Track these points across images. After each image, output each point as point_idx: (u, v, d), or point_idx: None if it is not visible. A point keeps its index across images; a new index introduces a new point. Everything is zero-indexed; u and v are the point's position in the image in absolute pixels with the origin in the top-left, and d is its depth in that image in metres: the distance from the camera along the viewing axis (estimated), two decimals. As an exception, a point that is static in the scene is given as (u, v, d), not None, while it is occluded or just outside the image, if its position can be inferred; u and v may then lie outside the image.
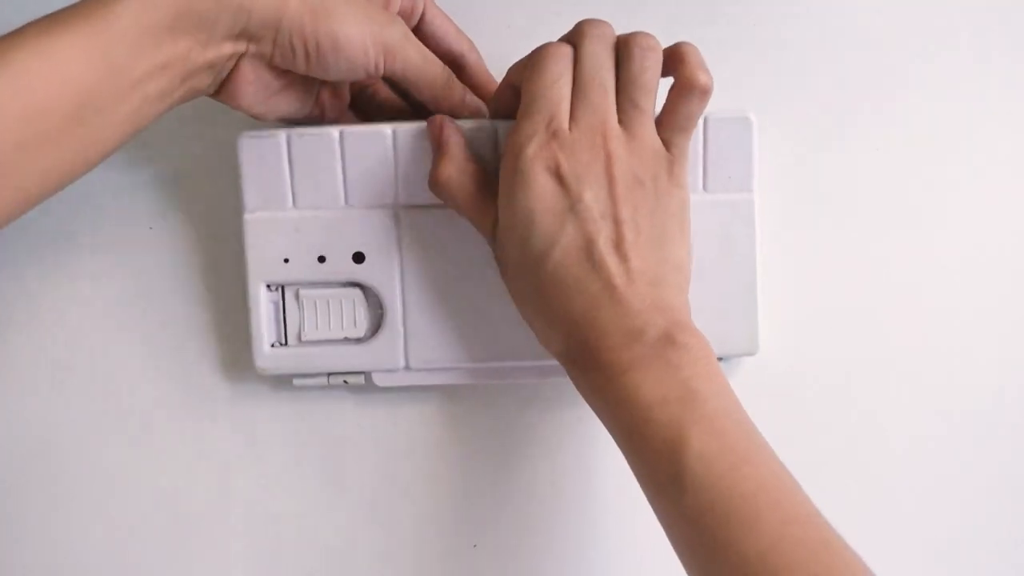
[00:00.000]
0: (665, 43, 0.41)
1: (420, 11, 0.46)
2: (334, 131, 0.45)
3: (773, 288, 0.48)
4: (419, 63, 0.43)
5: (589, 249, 0.38)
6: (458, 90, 0.46)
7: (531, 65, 0.40)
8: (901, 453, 0.50)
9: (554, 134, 0.39)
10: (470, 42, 0.48)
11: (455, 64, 0.47)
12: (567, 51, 0.40)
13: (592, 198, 0.39)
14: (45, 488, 0.50)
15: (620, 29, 0.46)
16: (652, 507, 0.38)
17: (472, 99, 0.46)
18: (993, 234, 0.50)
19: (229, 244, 0.49)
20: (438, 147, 0.43)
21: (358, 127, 0.45)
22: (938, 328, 0.50)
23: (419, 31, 0.46)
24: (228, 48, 0.40)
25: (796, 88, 0.49)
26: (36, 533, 0.50)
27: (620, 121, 0.40)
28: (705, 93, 0.40)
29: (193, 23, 0.38)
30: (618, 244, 0.39)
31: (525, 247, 0.39)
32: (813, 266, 0.50)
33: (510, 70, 0.43)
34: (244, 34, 0.39)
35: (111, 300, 0.50)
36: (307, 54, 0.40)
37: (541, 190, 0.39)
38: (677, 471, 0.35)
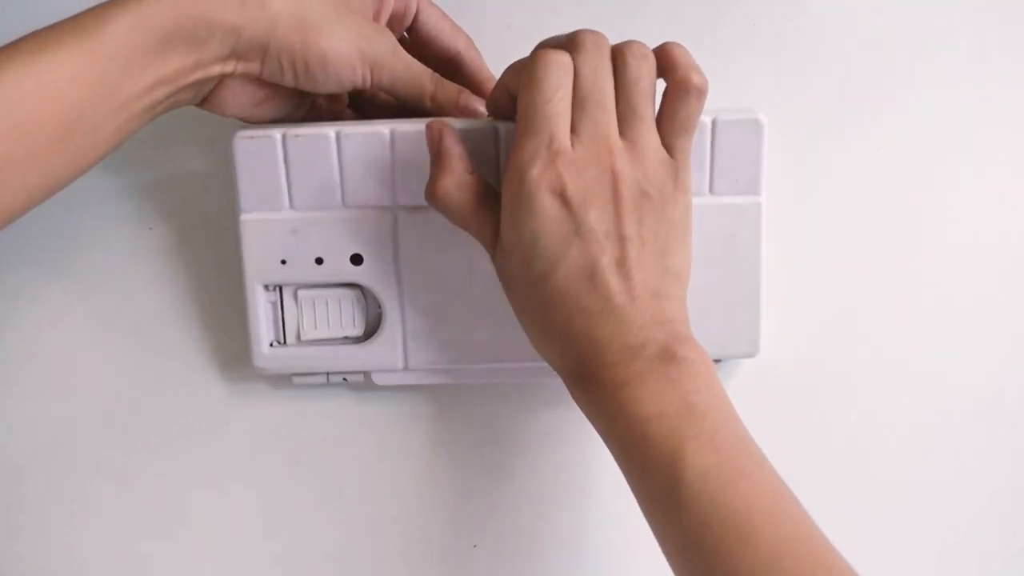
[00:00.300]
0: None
1: (414, 11, 0.45)
2: (330, 131, 0.45)
3: (771, 288, 0.48)
4: (406, 76, 0.44)
5: (592, 271, 0.38)
6: (450, 95, 0.45)
7: (527, 77, 0.39)
8: (901, 455, 0.50)
9: (557, 153, 0.38)
10: (467, 39, 0.47)
11: (452, 63, 0.47)
12: (564, 61, 0.39)
13: (597, 218, 0.38)
14: (46, 489, 0.50)
15: (621, 30, 0.46)
16: (648, 521, 0.37)
17: (467, 100, 0.46)
18: (994, 235, 0.50)
19: (230, 243, 0.49)
20: (436, 158, 0.42)
21: (355, 127, 0.45)
22: (938, 329, 0.50)
23: (413, 31, 0.46)
24: (217, 67, 0.40)
25: (796, 88, 0.49)
26: (37, 532, 0.50)
27: (621, 132, 0.39)
28: (701, 93, 0.40)
29: (184, 43, 0.38)
30: (621, 262, 0.38)
31: (528, 266, 0.39)
32: (811, 266, 0.50)
33: (506, 73, 0.42)
34: (233, 54, 0.40)
35: (111, 299, 0.50)
36: (295, 72, 0.41)
37: (546, 213, 0.38)
38: (674, 486, 0.35)
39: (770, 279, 0.48)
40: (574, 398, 0.40)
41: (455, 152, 0.42)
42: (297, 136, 0.45)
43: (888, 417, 0.50)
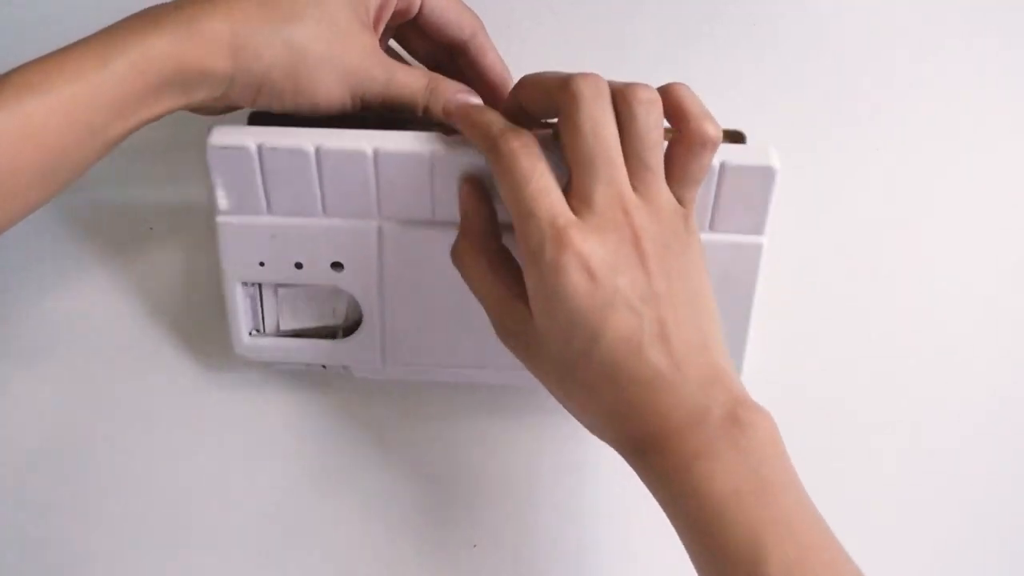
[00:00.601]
0: (662, 46, 0.40)
1: (418, 5, 0.43)
2: (309, 146, 0.42)
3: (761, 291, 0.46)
4: (398, 98, 0.42)
5: (637, 340, 0.36)
6: (441, 106, 0.43)
7: (497, 165, 0.38)
8: (892, 475, 0.50)
9: (565, 228, 0.36)
10: (473, 24, 0.45)
11: (458, 49, 0.46)
12: (527, 141, 0.37)
13: (628, 284, 0.36)
14: (45, 485, 0.50)
15: (620, 29, 0.45)
16: None
17: (464, 100, 0.44)
18: (995, 239, 0.49)
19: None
20: (461, 219, 0.42)
21: (336, 140, 0.42)
22: (936, 339, 0.49)
23: (419, 20, 0.44)
24: (207, 103, 0.40)
25: (794, 88, 0.48)
26: (34, 527, 0.50)
27: (632, 185, 0.37)
28: (716, 145, 0.38)
29: (177, 89, 0.38)
30: (662, 323, 0.36)
31: (567, 346, 0.37)
32: (808, 269, 0.49)
33: (476, 129, 0.40)
34: (224, 96, 0.40)
35: (108, 292, 0.51)
36: (283, 108, 0.41)
37: (575, 291, 0.36)
38: None
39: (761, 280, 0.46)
40: (635, 470, 0.38)
41: (477, 214, 0.41)
42: (274, 149, 0.42)
43: (884, 418, 0.50)
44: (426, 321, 0.47)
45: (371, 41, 0.42)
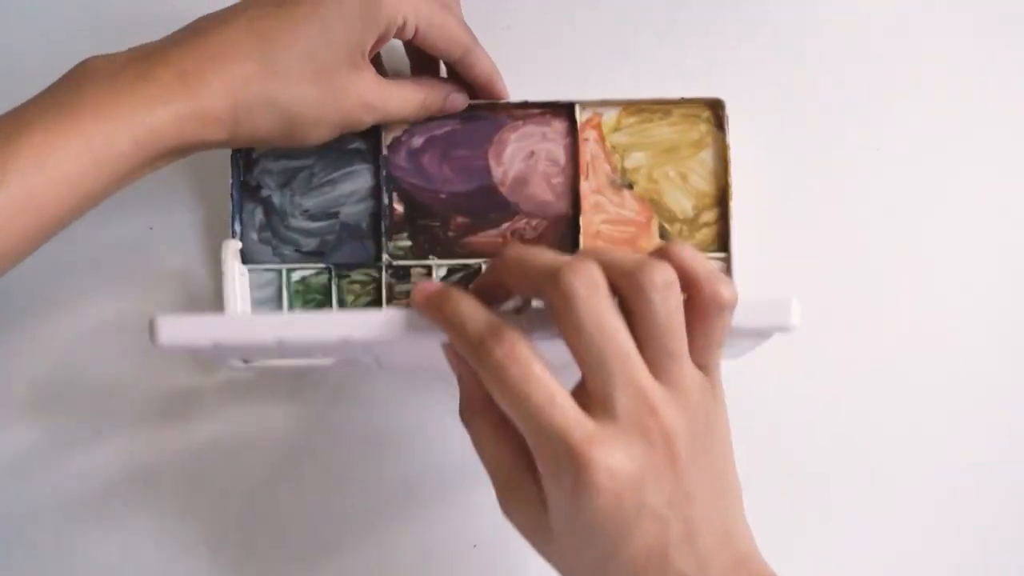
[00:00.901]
0: (663, 45, 0.46)
1: (411, 35, 0.44)
2: (270, 339, 0.37)
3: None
4: (393, 117, 0.46)
5: (659, 548, 0.33)
6: (435, 106, 0.47)
7: (488, 380, 0.33)
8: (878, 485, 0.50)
9: (583, 444, 0.32)
10: (465, 43, 0.45)
11: (449, 64, 0.48)
12: (515, 346, 0.33)
13: (656, 493, 0.33)
14: (48, 486, 0.50)
15: (617, 29, 0.50)
16: None
17: (452, 102, 0.48)
18: (996, 247, 0.48)
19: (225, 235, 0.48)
20: (456, 380, 0.37)
21: (300, 332, 0.37)
22: (928, 349, 0.49)
23: (412, 44, 0.45)
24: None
25: (793, 86, 0.48)
26: (31, 526, 0.50)
27: (655, 375, 0.33)
28: (734, 306, 0.34)
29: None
30: (688, 522, 0.33)
31: (580, 552, 0.34)
32: (803, 270, 0.48)
33: (451, 331, 0.35)
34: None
35: (107, 291, 0.50)
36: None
37: (596, 510, 0.32)
38: None
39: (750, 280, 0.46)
40: None
41: (467, 372, 0.36)
42: (233, 349, 0.38)
43: (883, 418, 0.49)
44: (424, 360, 0.47)
45: (365, 83, 0.44)
